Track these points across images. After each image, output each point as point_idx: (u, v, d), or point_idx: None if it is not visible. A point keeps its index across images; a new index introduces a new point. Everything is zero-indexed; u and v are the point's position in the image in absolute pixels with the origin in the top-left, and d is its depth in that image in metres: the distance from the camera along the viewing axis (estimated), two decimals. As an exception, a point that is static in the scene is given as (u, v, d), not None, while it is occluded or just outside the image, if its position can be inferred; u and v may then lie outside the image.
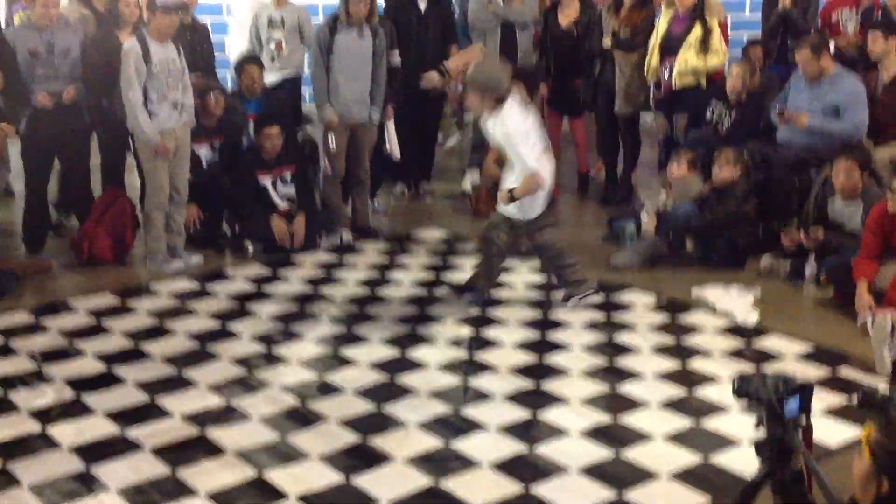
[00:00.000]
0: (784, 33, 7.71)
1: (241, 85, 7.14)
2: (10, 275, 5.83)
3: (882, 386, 4.47)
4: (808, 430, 2.61)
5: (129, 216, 6.44)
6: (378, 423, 4.21)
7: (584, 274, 5.61)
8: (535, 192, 5.24)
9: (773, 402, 2.54)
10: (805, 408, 2.60)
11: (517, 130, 5.14)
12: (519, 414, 4.28)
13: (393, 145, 7.35)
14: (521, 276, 6.06)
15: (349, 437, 4.07)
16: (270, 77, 7.64)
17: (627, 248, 6.37)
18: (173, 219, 6.24)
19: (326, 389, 4.54)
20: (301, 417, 4.25)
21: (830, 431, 4.07)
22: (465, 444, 4.01)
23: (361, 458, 3.91)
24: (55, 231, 6.84)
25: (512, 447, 3.99)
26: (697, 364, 4.80)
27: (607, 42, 7.45)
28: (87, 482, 3.74)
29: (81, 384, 4.57)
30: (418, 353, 4.94)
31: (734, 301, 5.51)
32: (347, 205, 7.17)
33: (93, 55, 6.24)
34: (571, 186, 8.05)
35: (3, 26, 6.76)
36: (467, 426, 4.17)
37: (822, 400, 4.31)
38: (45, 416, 4.25)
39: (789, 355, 4.90)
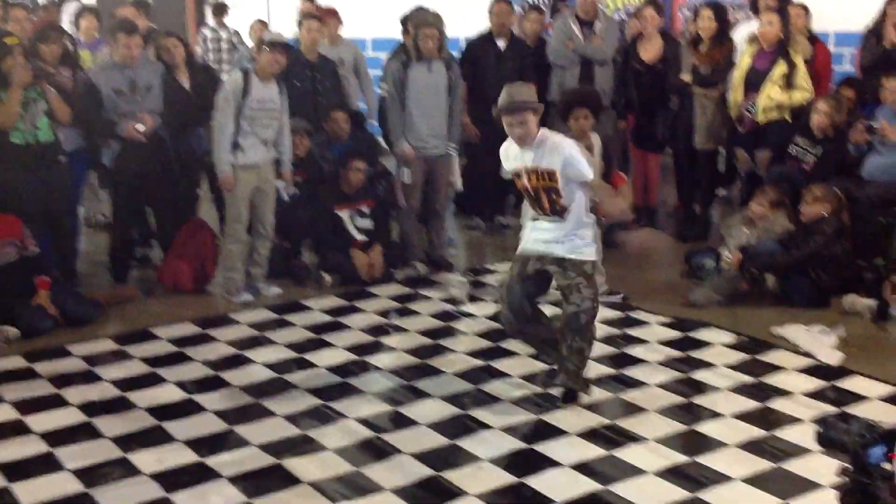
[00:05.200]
0: (885, 71, 6.95)
1: (328, 130, 7.25)
2: (95, 304, 6.01)
3: None
4: (894, 478, 2.53)
5: (210, 246, 6.59)
6: (451, 456, 4.20)
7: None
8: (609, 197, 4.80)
9: (858, 450, 2.47)
10: (890, 455, 2.52)
11: (573, 144, 4.55)
12: (594, 451, 4.24)
13: (455, 176, 7.39)
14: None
15: (422, 471, 4.07)
16: None
17: (706, 284, 6.27)
18: (257, 252, 6.37)
19: (400, 422, 4.55)
20: (375, 450, 4.28)
21: (918, 478, 3.93)
22: (539, 481, 3.97)
23: (434, 492, 3.91)
24: (140, 261, 7.04)
25: (586, 485, 3.94)
26: (778, 404, 4.69)
27: (687, 77, 7.41)
28: (165, 509, 3.81)
29: (162, 412, 4.67)
30: (492, 386, 4.93)
31: (816, 341, 5.38)
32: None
33: (170, 92, 6.45)
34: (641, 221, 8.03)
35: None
36: (541, 462, 4.14)
37: (909, 445, 4.17)
38: (127, 442, 4.35)
39: (873, 397, 4.76)
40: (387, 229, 7.01)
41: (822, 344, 5.34)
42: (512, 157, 4.63)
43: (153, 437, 4.40)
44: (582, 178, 4.51)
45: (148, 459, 4.18)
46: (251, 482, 3.98)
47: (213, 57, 9.53)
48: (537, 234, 4.64)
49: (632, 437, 4.35)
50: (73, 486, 3.97)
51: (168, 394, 4.89)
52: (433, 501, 3.83)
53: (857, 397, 4.77)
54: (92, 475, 4.05)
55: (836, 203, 6.11)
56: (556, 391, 4.78)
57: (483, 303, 6.27)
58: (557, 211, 4.54)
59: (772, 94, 7.00)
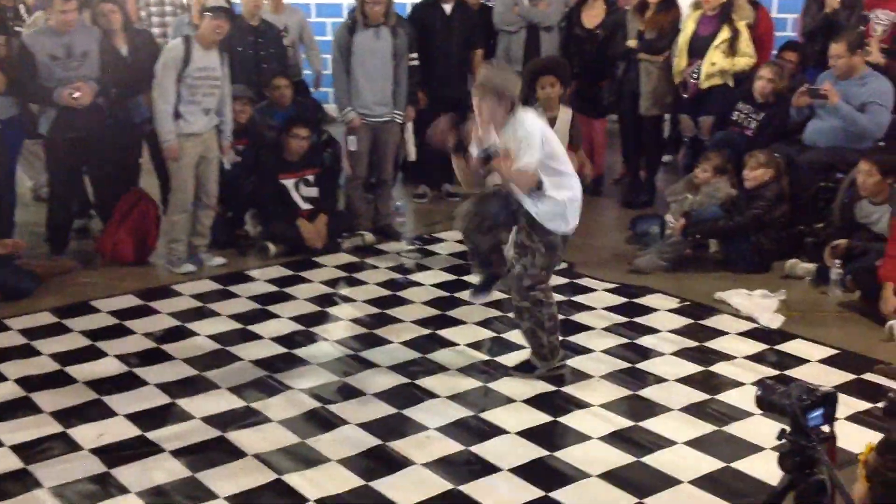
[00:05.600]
0: (826, 36, 7.05)
1: (271, 97, 7.13)
2: (31, 276, 5.86)
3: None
4: (832, 440, 2.57)
5: (152, 217, 6.46)
6: (398, 426, 4.19)
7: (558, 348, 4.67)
8: (522, 187, 4.32)
9: (797, 413, 2.49)
10: (828, 418, 2.56)
11: (537, 127, 4.31)
12: (540, 418, 4.26)
13: (409, 145, 7.35)
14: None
15: (369, 441, 4.05)
16: None
17: (651, 250, 6.31)
18: (200, 221, 6.27)
19: (347, 392, 4.53)
20: (321, 420, 4.25)
21: (854, 437, 4.00)
22: (486, 449, 3.99)
23: (381, 462, 3.90)
24: (79, 232, 6.89)
25: (532, 452, 3.96)
26: (720, 368, 4.76)
27: (633, 44, 7.40)
28: (107, 484, 3.74)
29: (103, 385, 4.58)
30: (439, 355, 4.92)
31: (758, 305, 5.45)
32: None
33: (108, 59, 6.30)
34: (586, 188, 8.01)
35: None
36: (488, 430, 4.15)
37: (847, 405, 4.25)
38: (67, 417, 4.26)
39: (814, 360, 4.85)
40: (332, 198, 6.94)
41: (764, 308, 5.41)
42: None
43: (94, 412, 4.32)
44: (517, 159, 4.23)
45: (89, 434, 4.11)
46: (195, 456, 3.93)
47: (157, 21, 9.27)
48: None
49: (577, 404, 4.38)
50: (12, 461, 3.89)
51: (109, 367, 4.80)
52: (380, 471, 3.82)
53: (797, 360, 4.85)
54: (31, 451, 3.97)
55: (777, 168, 6.18)
56: (508, 361, 4.79)
57: (430, 271, 6.25)
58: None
59: (715, 60, 7.03)
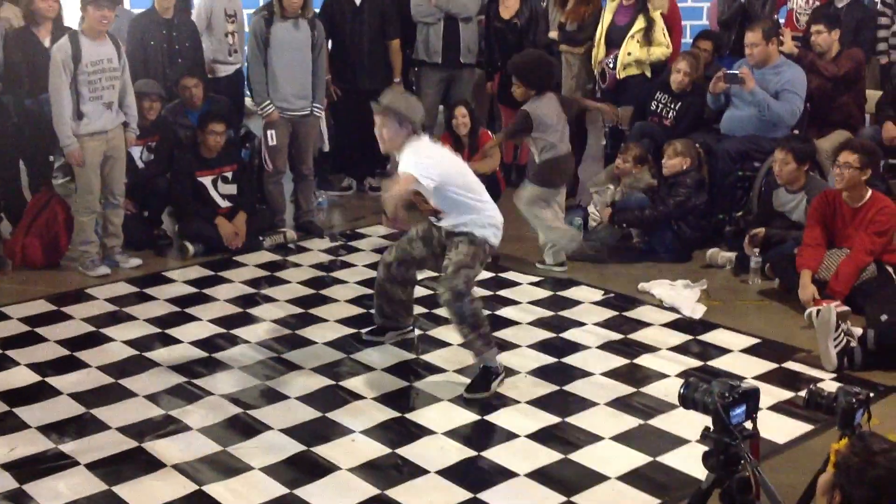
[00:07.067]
0: (741, 26, 7.27)
1: (181, 97, 6.93)
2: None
3: (829, 383, 4.48)
4: (755, 437, 2.58)
5: (62, 219, 6.22)
6: (323, 430, 4.11)
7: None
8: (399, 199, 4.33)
9: (720, 410, 2.50)
10: (751, 414, 2.57)
11: (407, 148, 4.44)
12: (467, 417, 4.22)
13: (323, 137, 7.26)
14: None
15: (293, 447, 3.96)
16: (228, 70, 7.55)
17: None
18: (110, 221, 6.08)
19: (270, 396, 4.43)
20: (243, 427, 4.14)
21: (777, 427, 4.07)
22: (413, 451, 3.93)
23: (305, 468, 3.82)
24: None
25: (460, 452, 3.92)
26: (644, 361, 4.77)
27: (554, 35, 7.40)
28: (20, 501, 3.60)
29: (14, 397, 4.41)
30: (364, 355, 4.85)
31: (680, 295, 5.50)
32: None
33: (14, 53, 6.07)
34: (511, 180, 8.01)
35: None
36: (415, 431, 4.09)
37: (768, 394, 4.30)
38: (-25, 432, 4.10)
39: (736, 349, 4.90)
40: (252, 194, 6.78)
41: (686, 299, 5.45)
42: None
43: (4, 425, 4.15)
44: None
45: (-1, 449, 3.95)
46: (111, 468, 3.80)
47: None
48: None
49: (504, 401, 4.35)
50: (-84, 482, 3.72)
51: (20, 377, 4.62)
52: (305, 478, 3.73)
53: (720, 350, 4.89)
54: (-63, 469, 3.80)
55: (696, 157, 6.25)
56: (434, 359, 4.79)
57: (354, 268, 6.17)
58: (434, 213, 4.55)
59: (631, 50, 7.07)
